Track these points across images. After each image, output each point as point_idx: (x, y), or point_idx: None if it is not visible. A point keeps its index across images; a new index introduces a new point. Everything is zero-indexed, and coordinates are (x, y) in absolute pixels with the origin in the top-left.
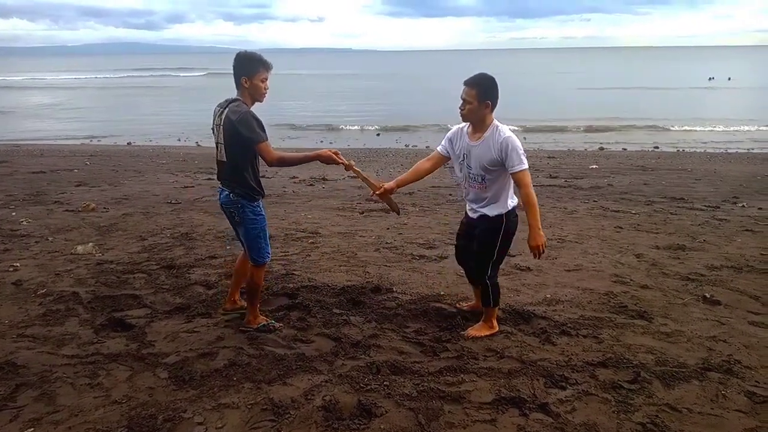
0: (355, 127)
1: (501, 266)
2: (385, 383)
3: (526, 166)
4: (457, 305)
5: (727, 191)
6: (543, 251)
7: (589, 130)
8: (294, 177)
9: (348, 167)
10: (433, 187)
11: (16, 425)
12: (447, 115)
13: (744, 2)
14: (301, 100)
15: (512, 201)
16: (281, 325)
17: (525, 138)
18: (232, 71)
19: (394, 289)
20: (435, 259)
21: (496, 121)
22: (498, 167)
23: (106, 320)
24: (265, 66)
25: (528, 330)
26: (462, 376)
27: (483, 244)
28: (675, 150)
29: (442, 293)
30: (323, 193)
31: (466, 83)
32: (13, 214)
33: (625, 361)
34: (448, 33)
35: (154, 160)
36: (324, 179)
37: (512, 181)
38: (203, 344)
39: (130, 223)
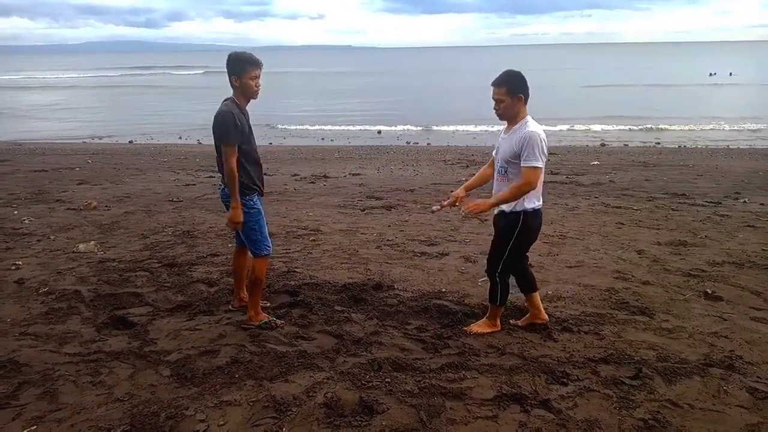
0: (357, 127)
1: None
2: (386, 380)
3: (538, 164)
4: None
5: (729, 187)
6: (472, 217)
7: (591, 125)
8: (295, 175)
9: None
10: (434, 184)
11: (19, 423)
12: (447, 115)
13: None
14: (300, 98)
15: (534, 202)
16: (283, 322)
17: None
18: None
19: (396, 286)
20: (436, 256)
21: (528, 117)
22: (518, 160)
23: (108, 318)
24: (254, 64)
25: (529, 326)
26: (463, 372)
27: (499, 239)
28: (676, 146)
29: (443, 290)
30: (324, 190)
31: (494, 83)
32: (15, 212)
33: (626, 357)
34: (449, 29)
35: (156, 158)
36: (325, 177)
37: (541, 183)
38: (205, 342)
39: (132, 221)
